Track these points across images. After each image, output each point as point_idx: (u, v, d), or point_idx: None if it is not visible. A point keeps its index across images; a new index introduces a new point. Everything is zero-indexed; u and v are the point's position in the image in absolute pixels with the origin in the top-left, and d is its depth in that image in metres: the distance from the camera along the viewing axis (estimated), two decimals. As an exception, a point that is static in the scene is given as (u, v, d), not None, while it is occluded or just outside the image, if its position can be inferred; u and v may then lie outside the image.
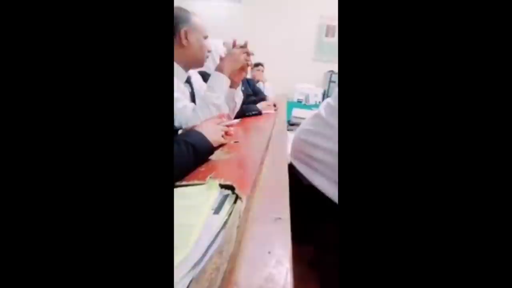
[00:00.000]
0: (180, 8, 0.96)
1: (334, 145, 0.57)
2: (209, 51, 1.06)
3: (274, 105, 1.59)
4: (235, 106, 1.10)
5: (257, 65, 3.13)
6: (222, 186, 0.47)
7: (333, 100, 0.64)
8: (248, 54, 0.96)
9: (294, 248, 0.32)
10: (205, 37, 1.03)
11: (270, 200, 0.44)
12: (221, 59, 0.98)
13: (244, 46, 0.97)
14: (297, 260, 0.31)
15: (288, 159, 0.70)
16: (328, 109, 0.63)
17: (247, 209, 0.40)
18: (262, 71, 3.24)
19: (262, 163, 0.60)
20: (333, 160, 0.58)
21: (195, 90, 1.15)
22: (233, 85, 1.01)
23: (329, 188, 0.59)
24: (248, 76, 2.78)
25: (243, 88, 2.15)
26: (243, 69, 0.99)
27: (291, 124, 1.52)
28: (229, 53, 0.97)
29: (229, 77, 0.96)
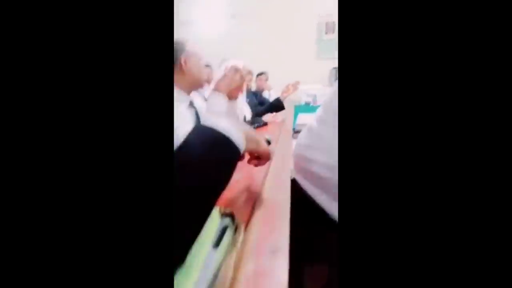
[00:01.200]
0: (176, 41, 1.03)
1: (328, 159, 0.56)
2: (207, 66, 1.14)
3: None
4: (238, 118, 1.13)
5: (259, 74, 3.14)
6: (222, 214, 0.47)
7: (322, 110, 0.63)
8: (242, 77, 1.00)
9: (308, 269, 0.31)
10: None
11: (269, 228, 0.44)
12: (217, 81, 1.02)
13: (237, 69, 1.00)
14: (314, 281, 0.30)
15: (292, 174, 0.69)
16: (319, 119, 0.62)
17: (245, 240, 0.40)
18: (266, 79, 3.24)
19: (263, 182, 0.60)
20: (329, 174, 0.56)
21: (199, 112, 1.20)
22: (231, 98, 1.05)
23: (328, 203, 0.57)
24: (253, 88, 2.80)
25: (248, 100, 2.16)
26: (239, 87, 1.03)
27: (296, 132, 1.50)
28: (224, 76, 1.01)
29: (227, 95, 0.99)
